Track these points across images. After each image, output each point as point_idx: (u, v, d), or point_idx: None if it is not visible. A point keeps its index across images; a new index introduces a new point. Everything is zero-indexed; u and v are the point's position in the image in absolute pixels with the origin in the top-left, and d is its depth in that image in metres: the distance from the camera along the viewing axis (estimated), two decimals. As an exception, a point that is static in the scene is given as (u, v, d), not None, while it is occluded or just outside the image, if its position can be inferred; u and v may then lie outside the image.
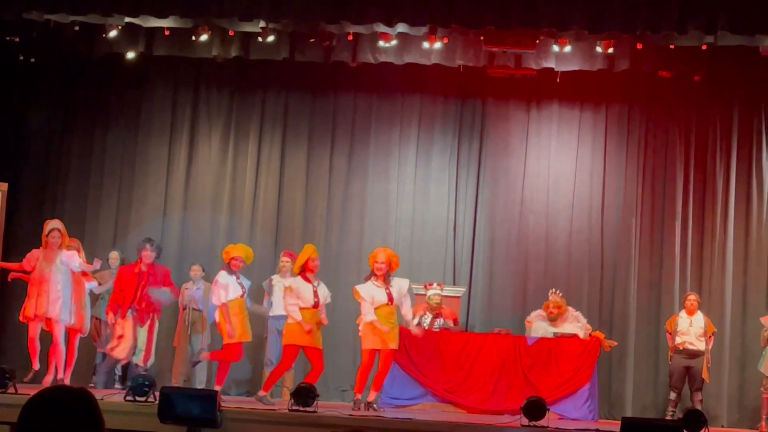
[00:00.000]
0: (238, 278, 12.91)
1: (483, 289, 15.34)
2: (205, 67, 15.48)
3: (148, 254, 13.29)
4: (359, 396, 12.22)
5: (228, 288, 12.73)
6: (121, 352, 13.21)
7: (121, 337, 13.16)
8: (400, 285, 12.39)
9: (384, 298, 12.23)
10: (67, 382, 13.09)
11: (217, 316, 12.81)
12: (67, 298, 12.86)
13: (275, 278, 14.10)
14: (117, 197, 15.81)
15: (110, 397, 11.33)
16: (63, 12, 12.92)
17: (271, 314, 13.99)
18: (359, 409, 12.00)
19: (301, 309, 12.26)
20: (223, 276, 12.78)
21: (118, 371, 14.33)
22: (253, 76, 15.69)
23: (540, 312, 13.92)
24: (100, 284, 13.90)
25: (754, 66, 13.48)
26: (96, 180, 15.83)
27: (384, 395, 13.53)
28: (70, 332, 13.13)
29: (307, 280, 12.39)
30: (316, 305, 12.36)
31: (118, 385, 13.76)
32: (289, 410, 11.03)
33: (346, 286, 14.93)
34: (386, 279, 12.31)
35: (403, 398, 13.26)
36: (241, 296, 12.87)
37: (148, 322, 13.37)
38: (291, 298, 12.36)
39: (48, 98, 15.88)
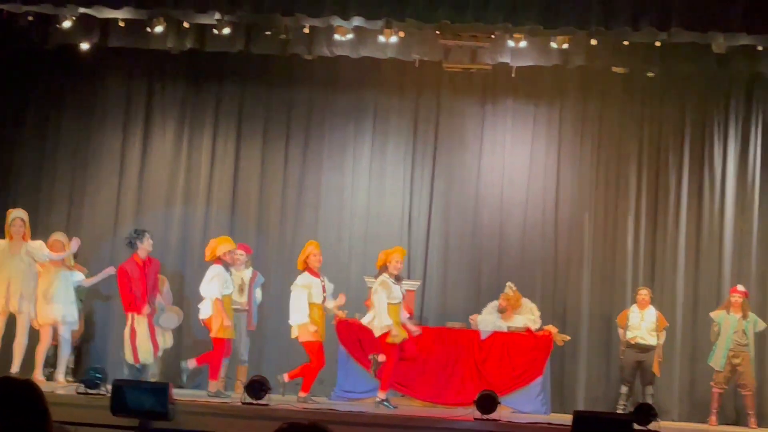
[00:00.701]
0: (231, 273, 12.91)
1: (437, 283, 15.38)
2: (159, 59, 15.35)
3: (150, 242, 13.19)
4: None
5: (227, 282, 12.72)
6: (146, 356, 13.07)
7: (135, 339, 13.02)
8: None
9: (400, 296, 12.47)
10: (36, 376, 13.00)
11: (208, 311, 12.71)
12: (28, 291, 12.83)
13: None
14: (70, 190, 15.68)
15: (62, 389, 11.28)
16: (16, 2, 12.80)
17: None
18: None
19: (310, 303, 12.49)
20: (220, 270, 12.71)
21: (71, 363, 14.25)
22: (208, 68, 15.62)
23: (495, 303, 14.03)
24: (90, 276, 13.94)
25: (707, 63, 13.58)
26: (48, 172, 15.70)
27: (337, 388, 13.58)
28: (56, 327, 13.18)
29: (315, 274, 12.55)
30: (323, 300, 12.63)
31: (69, 378, 13.67)
32: (242, 403, 11.02)
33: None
34: (399, 278, 12.48)
35: (357, 391, 13.28)
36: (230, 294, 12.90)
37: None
38: (302, 297, 12.45)
39: (0, 89, 15.72)
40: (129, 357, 12.91)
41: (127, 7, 12.82)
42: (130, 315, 12.96)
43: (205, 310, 12.73)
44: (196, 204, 15.60)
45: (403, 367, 13.18)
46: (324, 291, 12.67)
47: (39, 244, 13.12)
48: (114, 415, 10.25)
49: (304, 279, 12.63)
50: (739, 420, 14.25)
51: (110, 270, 13.94)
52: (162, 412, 10.20)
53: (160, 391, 10.40)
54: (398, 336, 12.40)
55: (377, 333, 12.46)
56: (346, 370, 13.60)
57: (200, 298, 12.88)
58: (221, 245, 12.79)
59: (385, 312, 12.36)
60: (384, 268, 12.59)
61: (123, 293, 13.03)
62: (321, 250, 12.89)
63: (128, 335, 12.86)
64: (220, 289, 12.60)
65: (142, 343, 12.86)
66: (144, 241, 13.10)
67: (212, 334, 12.65)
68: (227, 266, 12.79)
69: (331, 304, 12.85)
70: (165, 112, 15.82)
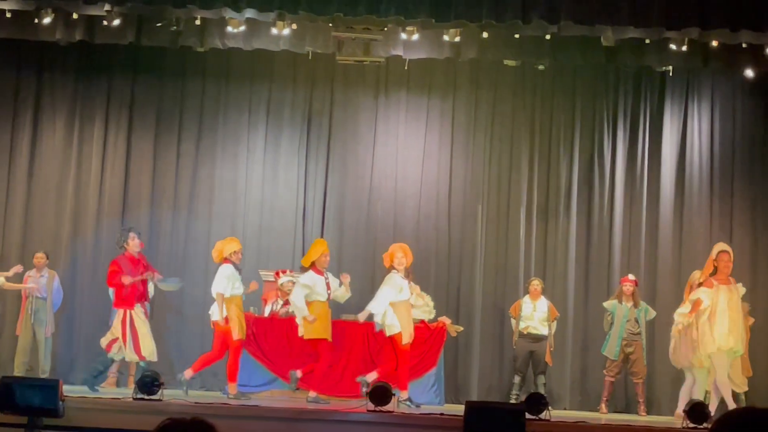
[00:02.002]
0: (240, 273, 12.79)
1: (332, 276, 15.36)
2: (48, 51, 15.11)
3: (136, 242, 13.13)
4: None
5: (236, 282, 12.60)
6: (150, 353, 12.92)
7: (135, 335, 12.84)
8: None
9: (408, 293, 12.46)
10: None
11: (218, 315, 12.58)
12: None
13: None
14: (-44, 184, 15.39)
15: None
16: None
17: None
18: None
19: (313, 301, 12.44)
20: (231, 270, 12.64)
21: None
22: (98, 60, 15.40)
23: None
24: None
25: (596, 56, 13.76)
26: (-65, 167, 15.39)
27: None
28: None
29: (319, 272, 12.55)
30: (329, 297, 12.62)
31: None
32: (134, 399, 10.91)
33: (193, 271, 14.86)
34: (407, 274, 12.53)
35: (252, 385, 13.23)
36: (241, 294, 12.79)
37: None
38: (300, 293, 12.42)
39: None
40: (130, 355, 12.77)
41: (13, -2, 12.61)
42: (123, 311, 12.82)
43: (216, 312, 12.66)
44: (87, 198, 15.37)
45: (299, 360, 13.15)
46: (328, 288, 12.71)
47: None
48: (1, 412, 10.07)
49: (306, 276, 12.64)
50: (628, 407, 14.51)
51: (18, 268, 13.82)
52: (52, 409, 10.04)
53: (50, 387, 10.25)
54: (411, 336, 12.61)
55: (388, 333, 12.52)
56: (240, 363, 13.54)
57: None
58: (228, 245, 12.79)
59: (385, 306, 12.42)
60: (392, 267, 12.64)
61: (114, 286, 13.00)
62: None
63: (122, 331, 12.69)
64: (228, 287, 12.55)
65: (145, 339, 12.75)
66: (129, 241, 13.01)
67: (234, 337, 12.63)
68: (236, 266, 12.72)
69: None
70: (55, 105, 15.56)
